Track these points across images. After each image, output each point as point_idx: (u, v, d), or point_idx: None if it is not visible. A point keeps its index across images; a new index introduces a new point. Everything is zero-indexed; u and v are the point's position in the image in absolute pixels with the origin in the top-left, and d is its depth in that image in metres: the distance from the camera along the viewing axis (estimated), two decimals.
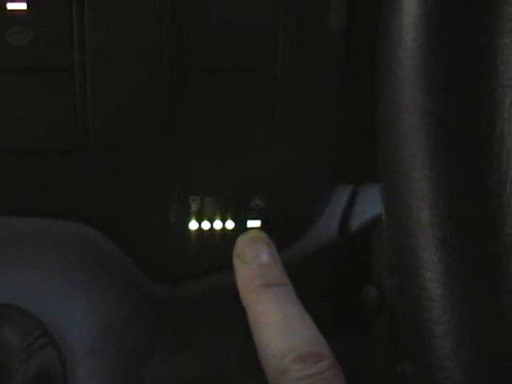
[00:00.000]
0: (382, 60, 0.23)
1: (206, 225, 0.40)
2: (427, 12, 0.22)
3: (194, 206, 0.40)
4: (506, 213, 0.21)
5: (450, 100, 0.22)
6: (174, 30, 0.37)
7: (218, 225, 0.40)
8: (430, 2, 0.22)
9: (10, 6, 0.36)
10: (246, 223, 0.40)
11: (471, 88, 0.22)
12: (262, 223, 0.40)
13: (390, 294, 0.34)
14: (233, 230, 0.40)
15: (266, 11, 0.37)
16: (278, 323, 0.34)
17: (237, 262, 0.38)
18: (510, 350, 0.21)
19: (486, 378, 0.22)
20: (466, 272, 0.22)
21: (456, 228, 0.22)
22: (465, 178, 0.22)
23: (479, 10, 0.22)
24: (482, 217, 0.22)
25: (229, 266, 0.39)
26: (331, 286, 0.42)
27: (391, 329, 0.35)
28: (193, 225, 0.40)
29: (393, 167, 0.23)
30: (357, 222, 0.42)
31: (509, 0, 0.21)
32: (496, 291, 0.21)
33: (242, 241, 0.38)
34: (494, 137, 0.21)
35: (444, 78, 0.22)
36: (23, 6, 0.36)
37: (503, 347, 0.21)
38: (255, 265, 0.37)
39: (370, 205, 0.42)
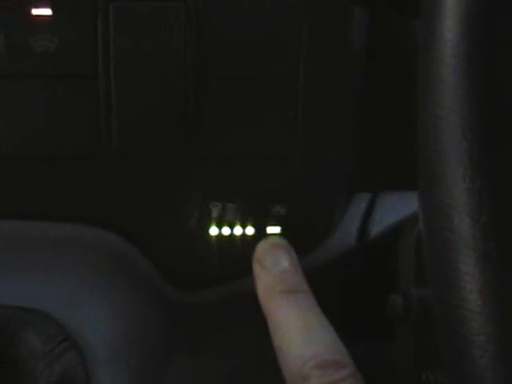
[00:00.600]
0: (423, 75, 0.24)
1: (226, 231, 0.40)
2: (469, 28, 0.22)
3: (214, 212, 0.40)
4: None
5: (492, 116, 0.22)
6: (198, 40, 0.37)
7: (238, 231, 0.40)
8: (472, 16, 0.22)
9: (35, 11, 0.36)
10: (266, 230, 0.40)
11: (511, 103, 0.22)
12: (281, 230, 0.40)
13: (416, 303, 0.34)
14: (253, 236, 0.40)
15: (288, 20, 0.38)
16: (298, 329, 0.35)
17: (257, 268, 0.38)
18: None
19: None
20: (506, 284, 0.22)
21: (497, 241, 0.22)
22: (506, 192, 0.22)
23: None
24: None
25: (249, 272, 0.39)
26: (350, 293, 0.42)
27: (417, 337, 0.36)
28: (213, 231, 0.40)
29: (434, 180, 0.23)
30: (375, 229, 0.42)
31: None
32: None
33: (262, 247, 0.39)
34: None
35: (486, 94, 0.22)
36: (48, 11, 0.36)
37: None
38: (275, 271, 0.37)
39: (389, 213, 0.42)
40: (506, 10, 0.22)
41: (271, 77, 0.38)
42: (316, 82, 0.38)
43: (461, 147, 0.22)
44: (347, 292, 0.42)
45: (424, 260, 0.24)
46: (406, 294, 0.35)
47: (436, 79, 0.23)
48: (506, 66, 0.22)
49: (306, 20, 0.38)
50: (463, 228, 0.22)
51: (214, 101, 0.38)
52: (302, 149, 0.39)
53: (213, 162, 0.39)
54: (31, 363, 0.37)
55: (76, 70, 0.37)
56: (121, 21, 0.36)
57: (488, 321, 0.22)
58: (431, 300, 0.24)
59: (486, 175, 0.22)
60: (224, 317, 0.42)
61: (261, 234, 0.40)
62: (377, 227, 0.42)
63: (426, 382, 0.35)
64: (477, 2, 0.22)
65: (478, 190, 0.22)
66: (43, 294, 0.39)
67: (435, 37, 0.23)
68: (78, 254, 0.40)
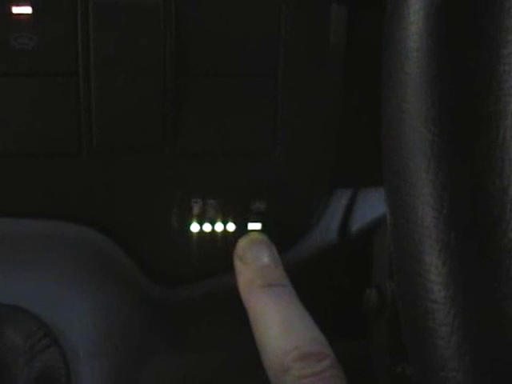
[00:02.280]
0: (387, 68, 0.24)
1: (207, 227, 0.40)
2: (432, 22, 0.23)
3: (195, 209, 0.40)
4: (508, 218, 0.22)
5: (454, 108, 0.22)
6: (177, 36, 0.37)
7: (219, 227, 0.41)
8: (434, 11, 0.23)
9: (16, 9, 0.37)
10: (247, 226, 0.41)
11: (475, 96, 0.22)
12: (262, 226, 0.41)
13: (390, 297, 0.34)
14: (234, 232, 0.40)
15: (267, 18, 0.38)
16: (279, 322, 0.35)
17: (238, 263, 0.38)
18: (511, 353, 0.22)
19: (487, 380, 0.22)
20: (469, 275, 0.22)
21: (460, 232, 0.22)
22: (468, 184, 0.22)
23: (482, 20, 0.22)
24: (485, 221, 0.22)
25: (230, 268, 0.40)
26: (331, 288, 0.42)
27: (391, 330, 0.36)
28: (194, 227, 0.40)
29: (398, 172, 0.23)
30: (356, 225, 0.42)
31: (510, 10, 0.22)
32: (498, 295, 0.22)
33: (243, 242, 0.39)
34: (497, 144, 0.22)
35: (448, 87, 0.22)
36: (28, 10, 0.37)
37: (505, 350, 0.22)
38: (256, 266, 0.38)
39: (369, 208, 0.42)
40: (467, 6, 0.22)
41: (250, 74, 0.38)
42: (295, 79, 0.39)
43: (424, 139, 0.22)
44: (328, 288, 0.42)
45: (391, 252, 0.24)
46: (380, 288, 0.36)
47: (399, 72, 0.23)
48: (467, 60, 0.22)
49: (285, 17, 0.38)
50: (426, 219, 0.23)
51: (193, 97, 0.38)
52: (282, 145, 0.40)
53: (193, 159, 0.39)
54: (11, 359, 0.37)
55: (56, 68, 0.37)
56: (100, 18, 0.37)
57: (451, 312, 0.22)
58: (397, 292, 0.24)
59: (449, 167, 0.22)
60: (206, 313, 0.42)
61: (242, 230, 0.40)
62: (357, 223, 0.42)
63: (402, 375, 0.35)
64: None
65: (440, 181, 0.22)
66: (23, 290, 0.39)
67: (399, 30, 0.23)
68: (59, 251, 0.40)
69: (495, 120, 0.22)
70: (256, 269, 0.37)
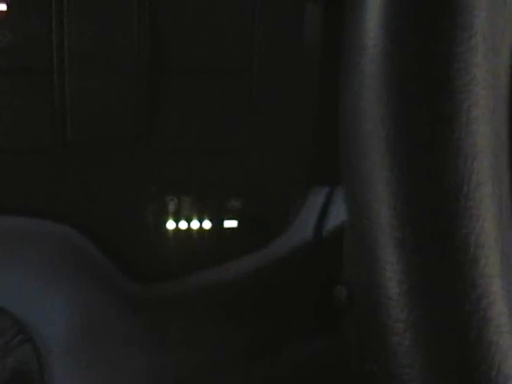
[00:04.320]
0: (345, 64, 0.24)
1: (183, 224, 0.40)
2: (388, 19, 0.23)
3: (171, 206, 0.40)
4: (461, 215, 0.22)
5: (409, 104, 0.22)
6: (151, 32, 0.37)
7: (195, 225, 0.41)
8: (390, 9, 0.23)
9: None
10: (223, 223, 0.41)
11: (429, 93, 0.22)
12: (238, 224, 0.41)
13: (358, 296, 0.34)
14: (210, 230, 0.40)
15: (241, 13, 0.38)
16: None
17: None
18: (464, 348, 0.22)
19: (442, 376, 0.22)
20: (422, 272, 0.22)
21: (414, 229, 0.22)
22: (422, 181, 0.22)
23: (438, 17, 0.22)
24: (439, 218, 0.22)
25: (206, 265, 0.40)
26: (306, 286, 0.42)
27: (360, 327, 0.36)
28: (170, 224, 0.40)
29: (353, 169, 0.23)
30: (332, 223, 0.42)
31: (467, 8, 0.22)
32: (451, 291, 0.22)
33: None
34: (452, 140, 0.22)
35: (403, 83, 0.22)
36: (3, 7, 0.37)
37: (459, 346, 0.22)
38: None
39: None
40: (423, 3, 0.22)
41: (225, 70, 0.38)
42: (270, 76, 0.39)
43: (379, 135, 0.22)
44: (303, 286, 0.42)
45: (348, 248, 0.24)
46: (349, 285, 0.36)
47: (356, 68, 0.23)
48: (422, 57, 0.22)
49: (260, 12, 0.38)
50: (381, 216, 0.23)
51: (168, 94, 0.38)
52: (258, 142, 0.40)
53: (168, 156, 0.39)
54: None
55: (30, 64, 0.37)
56: (74, 14, 0.37)
57: (404, 308, 0.22)
58: (355, 289, 0.24)
59: (403, 163, 0.22)
60: (182, 310, 0.42)
61: (218, 227, 0.40)
62: (333, 221, 0.42)
63: (371, 373, 0.35)
64: None
65: (395, 177, 0.22)
66: None
67: (356, 27, 0.23)
68: (34, 248, 0.40)
69: (450, 116, 0.22)
70: None
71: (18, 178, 0.39)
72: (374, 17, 0.23)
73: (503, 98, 0.24)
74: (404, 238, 0.22)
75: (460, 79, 0.22)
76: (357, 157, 0.23)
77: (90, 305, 0.40)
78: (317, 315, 0.41)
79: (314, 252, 0.42)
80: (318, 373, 0.43)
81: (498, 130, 0.23)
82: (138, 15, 0.37)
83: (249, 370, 0.44)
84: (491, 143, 0.22)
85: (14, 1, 0.36)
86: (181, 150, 0.39)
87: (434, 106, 0.22)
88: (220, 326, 0.39)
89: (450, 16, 0.22)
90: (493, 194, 0.22)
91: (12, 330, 0.38)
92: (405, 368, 0.22)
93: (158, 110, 0.38)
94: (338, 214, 0.42)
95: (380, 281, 0.23)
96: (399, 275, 0.22)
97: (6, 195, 0.39)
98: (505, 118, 0.24)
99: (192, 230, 0.41)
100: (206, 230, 0.41)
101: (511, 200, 0.23)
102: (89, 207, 0.40)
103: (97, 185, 0.39)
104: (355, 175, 0.23)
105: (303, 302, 0.41)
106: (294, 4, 0.38)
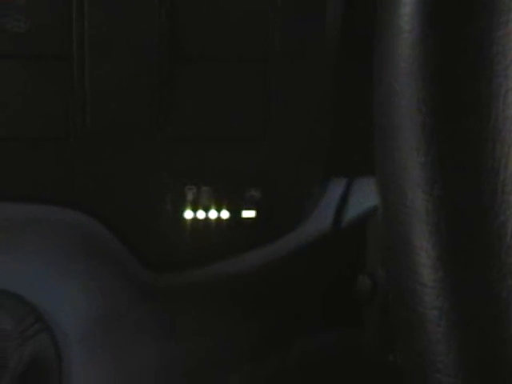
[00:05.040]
0: (380, 49, 0.24)
1: (201, 214, 0.40)
2: (425, 2, 0.22)
3: (189, 196, 0.40)
4: (499, 200, 0.22)
5: (446, 89, 0.22)
6: (170, 20, 0.37)
7: (213, 214, 0.40)
8: None
9: None
10: (241, 213, 0.40)
11: (466, 77, 0.22)
12: (256, 214, 0.40)
13: (383, 283, 0.34)
14: (228, 219, 0.40)
15: (261, 3, 0.38)
16: None
17: None
18: (500, 336, 0.22)
19: (476, 364, 0.22)
20: (458, 258, 0.22)
21: (450, 215, 0.22)
22: (459, 166, 0.22)
23: (476, 1, 0.22)
24: (475, 204, 0.22)
25: (223, 255, 0.39)
26: (325, 276, 0.42)
27: (384, 318, 0.35)
28: (188, 214, 0.40)
29: (388, 154, 0.23)
30: (351, 214, 0.42)
31: None
32: (487, 278, 0.22)
33: None
34: (489, 126, 0.22)
35: (440, 68, 0.22)
36: None
37: (493, 333, 0.22)
38: None
39: (365, 197, 0.42)
40: None
41: (244, 59, 0.38)
42: (288, 65, 0.38)
43: (415, 120, 0.22)
44: (322, 276, 0.42)
45: (382, 235, 0.24)
46: (372, 275, 0.35)
47: (391, 53, 0.23)
48: (459, 41, 0.22)
49: (280, 3, 0.38)
50: (416, 201, 0.22)
51: (187, 82, 0.38)
52: (277, 132, 0.39)
53: (187, 145, 0.39)
54: (2, 344, 0.37)
55: (50, 51, 0.37)
56: (95, 1, 0.36)
57: (440, 295, 0.22)
58: (387, 275, 0.24)
59: (439, 148, 0.22)
60: (197, 299, 0.42)
61: (236, 217, 0.40)
62: (352, 211, 0.42)
63: (394, 363, 0.35)
64: None
65: (431, 163, 0.22)
66: (15, 275, 0.39)
67: (390, 11, 0.23)
68: (51, 236, 0.39)
69: (487, 101, 0.22)
70: None
71: (36, 165, 0.39)
72: (409, 1, 0.22)
73: None
74: (440, 224, 0.22)
75: (497, 64, 0.22)
76: (391, 142, 0.23)
77: (105, 293, 0.40)
78: (336, 305, 0.40)
79: (333, 243, 0.42)
80: (328, 365, 0.43)
81: None
82: (158, 3, 0.37)
83: (259, 362, 0.44)
84: None
85: None
86: (198, 138, 0.39)
87: (471, 90, 0.22)
88: (232, 318, 0.39)
89: (486, 1, 0.22)
90: None
91: (29, 318, 0.37)
92: (440, 355, 0.22)
93: (177, 99, 0.38)
94: (357, 205, 0.42)
95: (415, 267, 0.22)
96: (434, 261, 0.22)
97: (22, 183, 0.39)
98: None
99: (210, 219, 0.40)
100: (223, 220, 0.40)
101: None
102: (106, 195, 0.39)
103: (115, 172, 0.39)
104: (390, 161, 0.23)
105: (322, 292, 0.41)
106: None
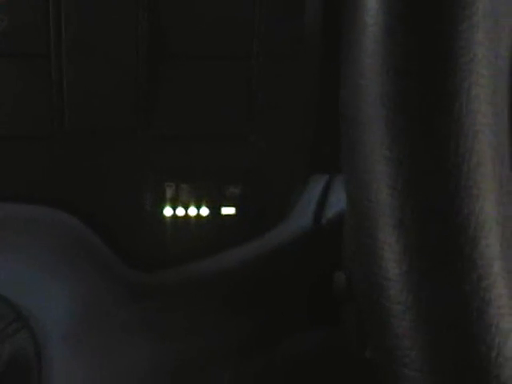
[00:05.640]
0: (345, 44, 0.24)
1: (180, 211, 0.40)
2: None
3: (168, 193, 0.40)
4: (463, 194, 0.22)
5: (409, 82, 0.22)
6: (151, 17, 0.37)
7: (192, 211, 0.40)
8: None
9: None
10: (220, 210, 0.40)
11: (430, 71, 0.22)
12: (236, 211, 0.40)
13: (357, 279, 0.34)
14: (207, 216, 0.40)
15: (243, 0, 0.38)
16: None
17: None
18: (464, 330, 0.22)
19: (441, 357, 0.22)
20: (422, 252, 0.22)
21: (413, 209, 0.22)
22: (422, 160, 0.22)
23: None
24: (439, 198, 0.22)
25: (204, 253, 0.39)
26: (305, 274, 0.42)
27: (359, 313, 0.35)
28: (167, 211, 0.40)
29: (354, 149, 0.23)
30: (331, 211, 0.42)
31: None
32: (451, 272, 0.22)
33: None
34: (452, 119, 0.22)
35: (404, 62, 0.22)
36: None
37: (457, 327, 0.22)
38: None
39: (345, 195, 0.42)
40: None
41: (227, 56, 0.38)
42: (271, 63, 0.38)
43: (379, 115, 0.22)
44: (303, 274, 0.42)
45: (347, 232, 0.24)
46: (348, 271, 0.35)
47: (356, 48, 0.23)
48: (424, 34, 0.22)
49: (261, 1, 0.38)
50: (381, 196, 0.22)
51: (168, 80, 0.38)
52: (258, 129, 0.39)
53: (167, 142, 0.39)
54: None
55: (27, 49, 0.37)
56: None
57: (404, 289, 0.22)
58: (354, 271, 0.24)
59: (404, 143, 0.22)
60: (180, 298, 0.42)
61: (216, 214, 0.40)
62: (333, 209, 0.42)
63: (370, 359, 0.35)
64: None
65: (395, 157, 0.22)
66: None
67: (356, 6, 0.23)
68: (32, 234, 0.39)
69: (451, 95, 0.22)
70: None
71: (16, 165, 0.38)
72: None
73: (505, 78, 0.23)
74: (403, 218, 0.22)
75: (461, 57, 0.22)
76: (356, 136, 0.23)
77: (88, 292, 0.40)
78: (316, 304, 0.40)
79: (314, 240, 0.42)
80: (316, 363, 0.43)
81: (498, 110, 0.23)
82: (137, 1, 0.37)
83: (247, 360, 0.44)
84: (491, 123, 0.22)
85: None
86: (179, 136, 0.39)
87: (434, 84, 0.22)
88: (218, 315, 0.39)
89: None
90: (493, 174, 0.22)
91: (9, 316, 0.37)
92: (405, 350, 0.22)
93: (157, 97, 0.38)
94: (338, 202, 0.42)
95: (379, 262, 0.22)
96: (398, 256, 0.22)
97: (4, 182, 0.39)
98: (506, 98, 0.23)
99: (189, 216, 0.40)
100: (203, 217, 0.40)
101: None
102: (87, 194, 0.39)
103: (95, 172, 0.39)
104: (355, 155, 0.23)
105: (302, 291, 0.41)
106: None
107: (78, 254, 0.40)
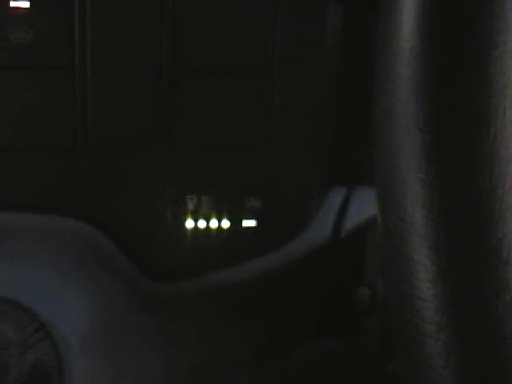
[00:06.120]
0: (379, 67, 0.24)
1: (202, 223, 0.41)
2: (424, 22, 0.23)
3: (190, 205, 0.40)
4: (497, 217, 0.22)
5: (445, 107, 0.22)
6: (173, 32, 0.37)
7: (213, 224, 0.41)
8: (426, 12, 0.23)
9: (13, 3, 0.37)
10: (241, 223, 0.41)
11: (465, 96, 0.22)
12: (257, 223, 0.41)
13: (382, 295, 0.35)
14: (228, 229, 0.41)
15: (263, 13, 0.38)
16: None
17: None
18: (498, 351, 0.22)
19: (474, 378, 0.23)
20: (456, 274, 0.22)
21: (449, 231, 0.22)
22: (458, 183, 0.22)
23: (475, 21, 0.22)
24: (474, 221, 0.22)
25: (224, 265, 0.40)
26: (324, 286, 0.42)
27: (382, 328, 0.36)
28: (189, 223, 0.40)
29: (388, 170, 0.23)
30: (350, 223, 0.42)
31: (503, 12, 0.22)
32: (484, 294, 0.22)
33: None
34: (487, 143, 0.22)
35: (439, 87, 0.23)
36: (26, 4, 0.37)
37: (491, 348, 0.22)
38: None
39: (364, 206, 0.42)
40: (458, 7, 0.22)
41: (246, 70, 0.38)
42: (290, 77, 0.39)
43: (415, 138, 0.23)
44: (321, 285, 0.42)
45: (381, 250, 0.25)
46: (372, 286, 0.36)
47: (391, 71, 0.23)
48: (458, 60, 0.22)
49: (281, 14, 0.38)
50: (416, 217, 0.23)
51: (188, 94, 0.38)
52: (277, 142, 0.40)
53: (188, 155, 0.39)
54: (4, 353, 0.37)
55: (52, 62, 0.37)
56: (97, 12, 0.37)
57: (438, 309, 0.22)
58: (386, 289, 0.24)
59: (439, 166, 0.22)
60: (198, 309, 0.42)
61: (237, 227, 0.41)
62: (351, 221, 0.42)
63: (392, 373, 0.35)
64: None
65: (430, 180, 0.22)
66: (18, 284, 0.39)
67: (391, 31, 0.23)
68: (54, 245, 0.40)
69: (486, 119, 0.22)
70: None
71: (38, 176, 0.39)
72: (409, 20, 0.23)
73: None
74: (439, 240, 0.22)
75: (495, 82, 0.22)
76: (392, 159, 0.23)
77: (107, 302, 0.40)
78: (331, 314, 0.41)
79: (333, 252, 0.42)
80: (329, 371, 0.44)
81: None
82: (160, 15, 0.37)
83: (260, 368, 0.44)
84: None
85: None
86: (200, 149, 0.39)
87: (470, 109, 0.22)
88: (234, 326, 0.39)
89: (486, 19, 0.22)
90: None
91: (31, 326, 0.38)
92: (437, 369, 0.22)
93: (178, 109, 0.38)
94: (357, 215, 0.42)
95: (413, 282, 0.23)
96: (433, 276, 0.22)
97: (26, 193, 0.39)
98: None
99: (210, 229, 0.41)
100: (224, 230, 0.41)
101: None
102: (108, 206, 0.40)
103: (116, 183, 0.39)
104: (390, 178, 0.23)
105: (317, 301, 0.41)
106: (315, 4, 0.38)
107: (97, 265, 0.41)
